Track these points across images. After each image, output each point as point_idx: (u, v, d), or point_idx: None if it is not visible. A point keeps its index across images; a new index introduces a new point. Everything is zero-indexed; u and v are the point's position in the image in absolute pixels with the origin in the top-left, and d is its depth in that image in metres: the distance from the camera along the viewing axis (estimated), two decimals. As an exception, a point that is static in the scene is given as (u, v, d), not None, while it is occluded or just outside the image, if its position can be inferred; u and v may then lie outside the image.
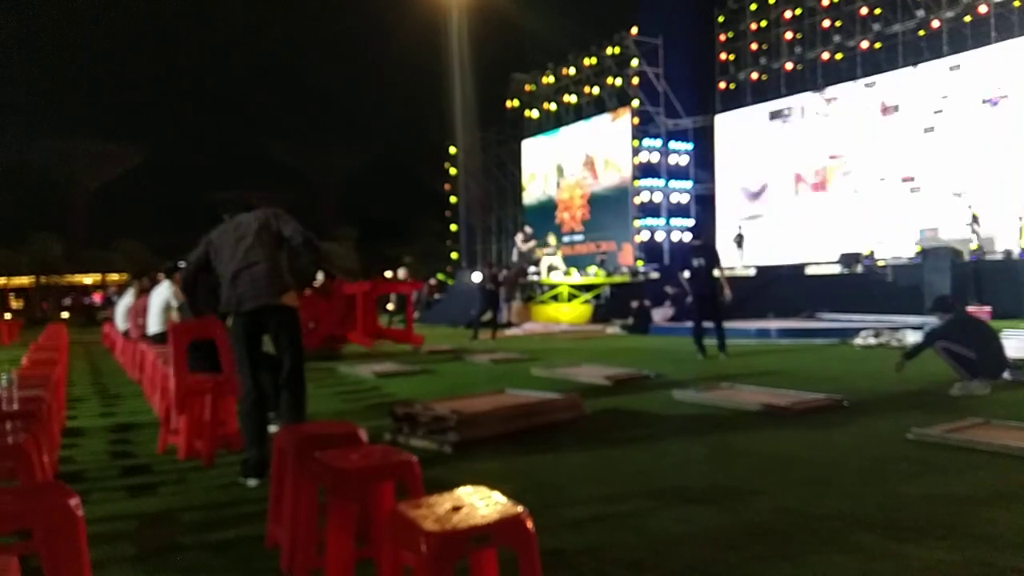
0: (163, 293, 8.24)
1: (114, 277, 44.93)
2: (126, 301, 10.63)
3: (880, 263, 17.63)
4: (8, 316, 32.34)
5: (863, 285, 16.66)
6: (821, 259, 19.93)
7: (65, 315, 39.25)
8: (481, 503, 1.99)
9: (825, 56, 22.70)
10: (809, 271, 19.48)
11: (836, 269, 18.79)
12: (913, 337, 9.86)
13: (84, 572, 2.14)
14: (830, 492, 3.59)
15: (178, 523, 3.44)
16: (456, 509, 1.94)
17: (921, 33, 20.80)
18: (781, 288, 18.18)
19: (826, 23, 22.58)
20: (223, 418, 4.95)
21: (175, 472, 4.37)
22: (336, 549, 2.39)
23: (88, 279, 49.57)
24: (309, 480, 2.66)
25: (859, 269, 17.91)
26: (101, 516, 3.47)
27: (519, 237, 23.43)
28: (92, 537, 2.27)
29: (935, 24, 20.23)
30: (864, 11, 21.58)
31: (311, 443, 2.80)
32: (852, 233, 20.33)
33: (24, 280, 49.15)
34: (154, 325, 8.23)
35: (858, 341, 11.04)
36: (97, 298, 37.86)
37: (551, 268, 22.31)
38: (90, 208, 51.60)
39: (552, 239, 23.72)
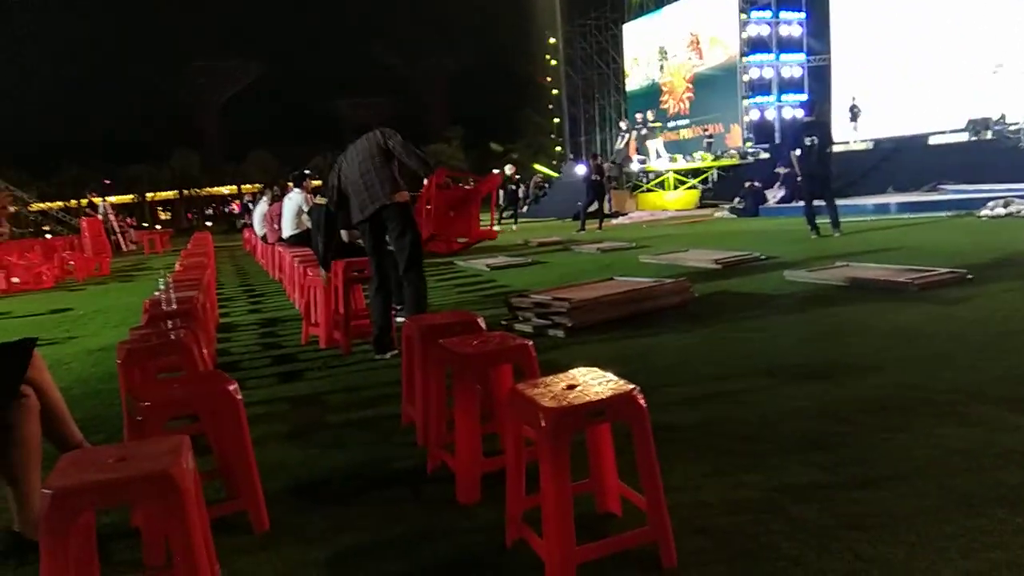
0: (294, 199, 8.74)
1: (248, 187, 47.54)
2: (261, 208, 11.34)
3: (1013, 127, 16.12)
4: (158, 227, 35.02)
5: (993, 152, 15.37)
6: (947, 127, 18.40)
7: (208, 224, 42.04)
8: (595, 382, 2.13)
9: None
10: (932, 141, 18.08)
11: (963, 137, 17.34)
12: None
13: (246, 448, 2.43)
14: (951, 367, 3.53)
15: (324, 404, 3.83)
16: (571, 387, 2.09)
17: None
18: (902, 160, 17.06)
19: None
20: (357, 312, 5.35)
21: (318, 360, 4.81)
22: (464, 426, 2.63)
23: (225, 190, 52.74)
24: (436, 365, 2.89)
25: (988, 135, 16.47)
26: (257, 400, 3.90)
27: (623, 125, 22.85)
28: (250, 418, 2.57)
29: None
30: None
31: (435, 331, 3.03)
32: (981, 96, 18.53)
33: (169, 194, 52.92)
34: (288, 229, 8.79)
35: (985, 212, 10.35)
36: (235, 206, 40.20)
37: (646, 152, 21.68)
38: (220, 123, 54.28)
39: (650, 115, 22.79)
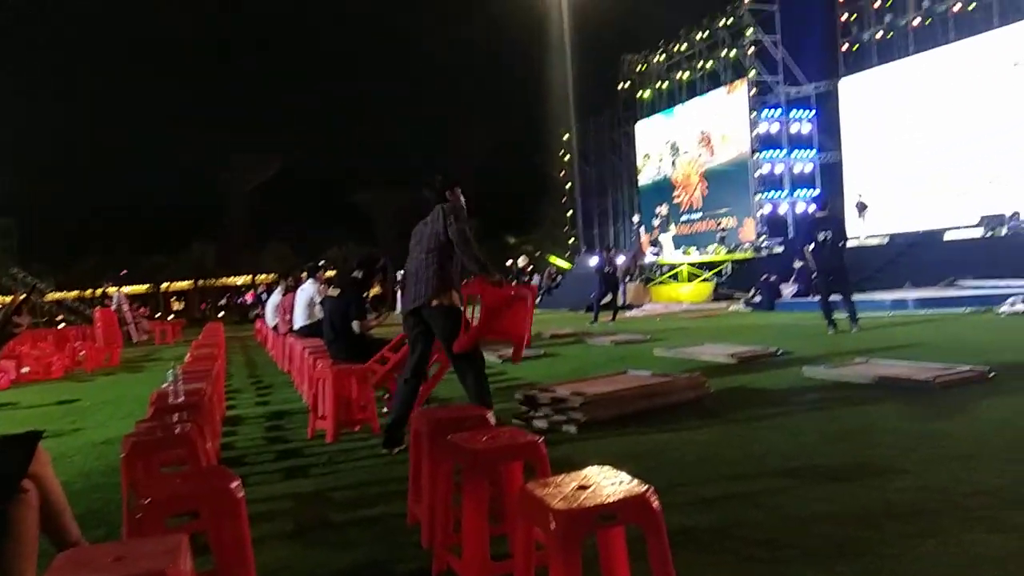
0: (307, 290, 8.82)
1: (263, 277, 48.30)
2: (275, 299, 11.44)
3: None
4: (171, 317, 35.39)
5: (1008, 248, 15.38)
6: (960, 223, 18.52)
7: (221, 314, 42.47)
8: (607, 482, 2.06)
9: (956, 7, 20.98)
10: (948, 236, 18.15)
11: (977, 233, 17.41)
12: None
13: (246, 548, 2.34)
14: (978, 469, 3.40)
15: (329, 502, 3.71)
16: (583, 488, 2.01)
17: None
18: (917, 256, 17.10)
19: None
20: (364, 403, 5.29)
21: (324, 455, 4.70)
22: (471, 526, 2.53)
23: (239, 280, 53.55)
24: (444, 461, 2.81)
25: (1003, 232, 16.54)
26: (260, 497, 3.80)
27: (636, 218, 23.21)
28: (253, 516, 2.49)
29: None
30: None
31: (444, 426, 2.96)
32: (993, 194, 18.75)
33: (183, 284, 53.80)
34: (300, 319, 8.83)
35: (1004, 308, 10.26)
36: (249, 297, 40.74)
37: (660, 245, 21.91)
38: (239, 215, 55.73)
39: (663, 210, 23.13)
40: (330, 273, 9.68)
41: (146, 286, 51.19)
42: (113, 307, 19.35)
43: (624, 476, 2.08)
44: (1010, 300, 10.39)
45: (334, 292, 6.27)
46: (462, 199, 4.78)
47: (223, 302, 50.44)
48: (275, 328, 11.20)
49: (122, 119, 57.65)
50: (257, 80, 67.61)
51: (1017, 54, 18.98)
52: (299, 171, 56.50)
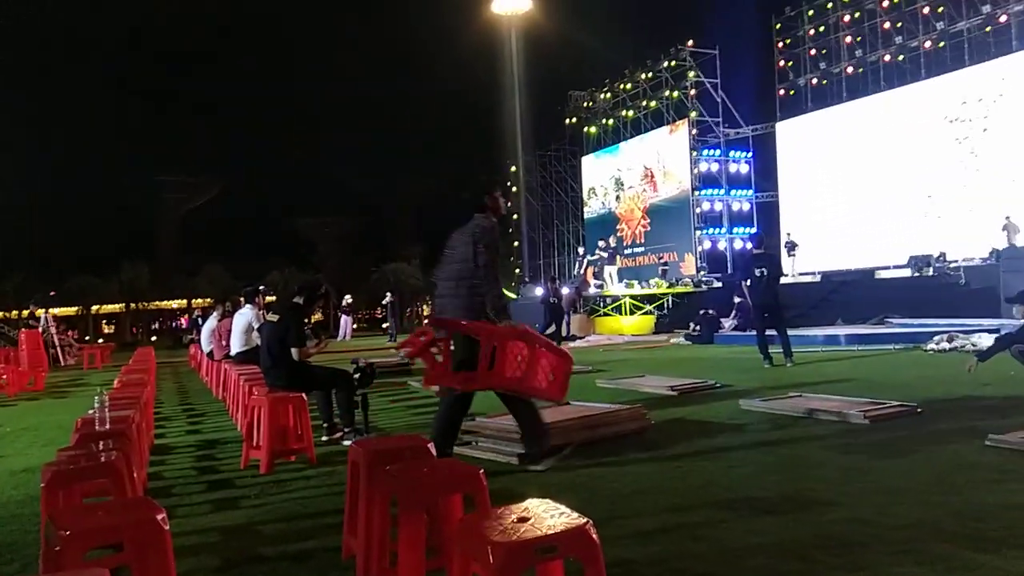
0: (245, 315, 8.61)
1: (198, 301, 46.95)
2: (210, 323, 11.10)
3: (952, 265, 16.97)
4: (100, 341, 34.04)
5: (935, 288, 16.08)
6: (890, 263, 19.32)
7: (153, 338, 41.04)
8: (547, 514, 2.04)
9: (887, 58, 22.13)
10: (878, 275, 18.88)
11: (906, 272, 18.17)
12: (988, 340, 9.48)
13: (170, 584, 2.25)
14: (905, 501, 3.50)
15: (259, 535, 3.59)
16: (522, 520, 2.00)
17: (988, 30, 20.09)
18: (849, 293, 17.71)
19: (887, 24, 22.03)
20: (300, 432, 5.16)
21: (257, 486, 4.55)
22: (408, 560, 2.47)
23: (174, 304, 51.95)
24: (381, 493, 2.75)
25: (930, 272, 17.29)
26: (187, 529, 3.65)
27: (581, 250, 23.53)
28: (178, 549, 2.41)
29: (1002, 19, 19.51)
30: (927, 10, 20.97)
31: (382, 457, 2.91)
32: (921, 235, 19.67)
33: (114, 307, 51.85)
34: (236, 345, 8.60)
35: (931, 346, 10.68)
36: (183, 321, 39.53)
37: (603, 277, 22.23)
38: (174, 237, 54.23)
39: (609, 242, 23.46)
40: (269, 299, 9.46)
41: (75, 308, 49.21)
42: (40, 329, 18.52)
43: (564, 508, 2.07)
44: (936, 338, 10.81)
45: (273, 317, 6.13)
46: (502, 202, 4.76)
47: (155, 326, 48.84)
48: (210, 354, 10.87)
49: (54, 131, 55.78)
50: (201, 100, 66.44)
51: (946, 107, 20.04)
52: (239, 194, 55.53)
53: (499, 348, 4.24)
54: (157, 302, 51.98)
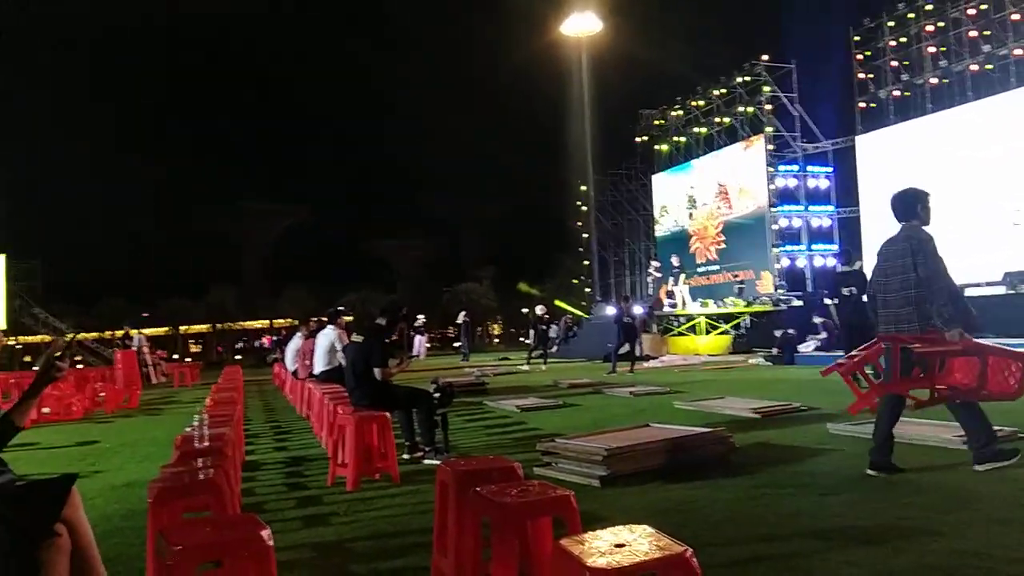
0: (328, 335, 8.84)
1: (280, 322, 48.60)
2: (295, 343, 11.46)
3: None
4: (188, 360, 35.55)
5: (1033, 305, 15.20)
6: (982, 279, 18.37)
7: (238, 357, 42.60)
8: (643, 540, 2.03)
9: (974, 67, 21.22)
10: (969, 292, 17.96)
11: (1000, 290, 17.24)
12: None
13: (274, 600, 2.32)
14: (1015, 532, 3.31)
15: (351, 552, 3.67)
16: (619, 546, 1.99)
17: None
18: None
19: (973, 33, 21.13)
20: (384, 451, 5.26)
21: (344, 503, 4.66)
22: (501, 581, 2.49)
23: (258, 324, 53.97)
24: (472, 514, 2.78)
25: (1026, 288, 16.37)
26: (281, 545, 3.73)
27: (652, 269, 23.27)
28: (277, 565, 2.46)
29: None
30: (1016, 17, 20.03)
31: (471, 478, 2.94)
32: (1015, 251, 18.63)
33: (201, 327, 54.22)
34: (320, 365, 8.84)
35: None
36: (266, 341, 40.89)
37: (676, 296, 21.88)
38: (260, 260, 56.49)
39: (678, 261, 23.07)
40: (348, 318, 9.71)
41: (165, 328, 51.61)
42: (133, 348, 19.49)
43: (658, 534, 2.05)
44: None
45: (357, 338, 6.28)
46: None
47: (240, 345, 50.71)
48: (294, 373, 11.21)
49: (148, 160, 59.00)
50: (283, 129, 69.27)
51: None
52: (320, 218, 57.41)
53: (947, 358, 4.50)
54: (242, 323, 54.07)
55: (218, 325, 52.88)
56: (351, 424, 5.18)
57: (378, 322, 6.21)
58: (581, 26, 27.71)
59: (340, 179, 65.27)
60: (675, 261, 22.70)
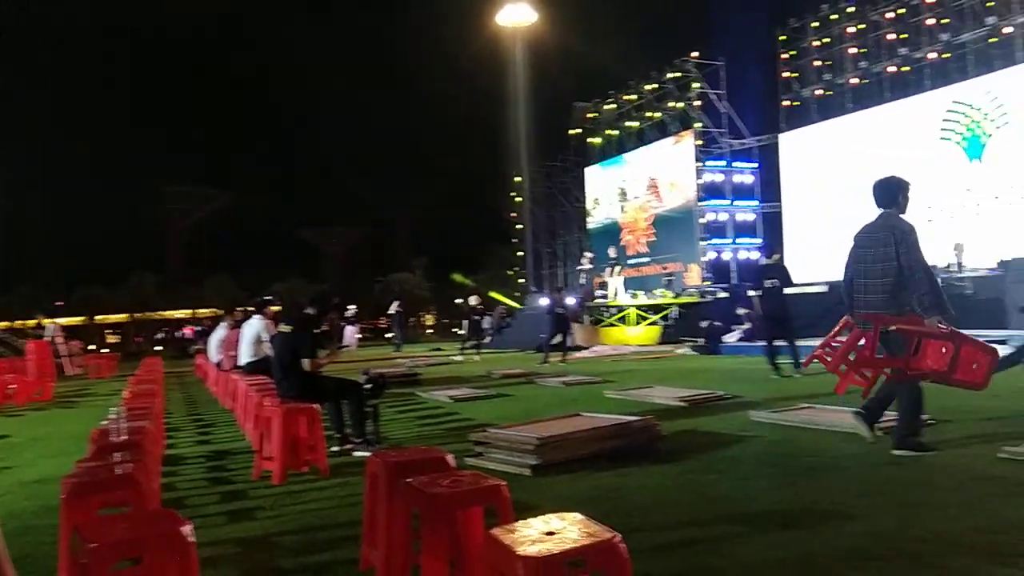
0: (255, 326, 8.60)
1: (204, 311, 47.03)
2: (219, 334, 11.09)
3: (957, 276, 16.93)
4: (105, 351, 34.08)
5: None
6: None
7: (158, 348, 41.06)
8: (573, 528, 2.05)
9: (892, 69, 22.19)
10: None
11: (913, 283, 18.11)
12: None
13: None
14: (924, 514, 3.49)
15: (277, 547, 3.59)
16: (549, 534, 2.00)
17: (992, 41, 20.11)
18: (856, 305, 17.64)
19: (891, 36, 22.08)
20: (313, 443, 5.16)
21: (271, 497, 4.56)
22: (432, 573, 2.48)
23: (180, 314, 52.09)
24: (402, 505, 2.75)
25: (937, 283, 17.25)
26: (204, 541, 3.63)
27: (585, 260, 23.54)
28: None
29: (1006, 31, 19.55)
30: (931, 21, 21.02)
31: (402, 469, 2.91)
32: (925, 246, 19.59)
33: (119, 316, 52.00)
34: (246, 356, 8.60)
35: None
36: (189, 331, 39.47)
37: (608, 287, 22.25)
38: (183, 247, 54.47)
39: (612, 252, 23.44)
40: (275, 308, 9.46)
41: (80, 318, 49.34)
42: (47, 339, 18.56)
43: (588, 521, 2.07)
44: (945, 349, 10.77)
45: (285, 328, 6.13)
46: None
47: (160, 336, 48.86)
48: (218, 364, 10.88)
49: (60, 141, 56.17)
50: (208, 112, 66.91)
51: (949, 118, 20.07)
52: (246, 205, 55.83)
53: (924, 341, 4.68)
54: (162, 312, 52.14)
55: (137, 314, 50.81)
56: (278, 416, 5.06)
57: (307, 312, 6.07)
58: (516, 16, 27.70)
59: (270, 164, 63.64)
60: (612, 252, 23.03)
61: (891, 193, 4.99)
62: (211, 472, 5.55)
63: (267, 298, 9.12)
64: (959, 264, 17.51)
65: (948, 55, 21.12)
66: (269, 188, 60.66)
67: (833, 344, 6.57)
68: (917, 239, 4.75)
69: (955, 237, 19.35)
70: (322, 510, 4.23)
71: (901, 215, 4.92)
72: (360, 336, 32.06)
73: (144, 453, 3.83)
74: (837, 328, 5.49)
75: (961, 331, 4.91)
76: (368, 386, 5.96)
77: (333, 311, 6.31)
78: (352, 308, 27.28)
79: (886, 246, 4.75)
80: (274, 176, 62.55)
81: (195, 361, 18.42)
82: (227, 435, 7.35)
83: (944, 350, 4.68)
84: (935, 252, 18.54)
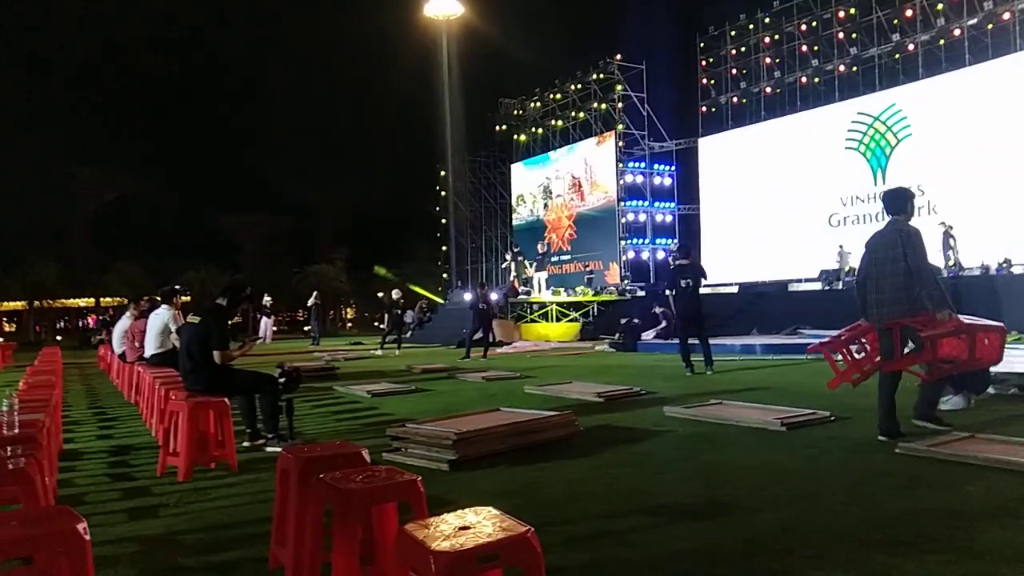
0: (162, 316, 8.26)
1: (109, 300, 44.78)
2: (123, 324, 10.58)
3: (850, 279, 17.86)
4: (0, 340, 32.01)
5: (844, 301, 16.81)
6: (802, 276, 20.17)
7: (58, 338, 38.84)
8: (488, 522, 2.04)
9: (803, 80, 23.15)
10: (791, 288, 19.68)
11: (817, 285, 19.01)
12: None
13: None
14: (822, 507, 3.66)
15: (180, 545, 3.46)
16: (463, 529, 1.99)
17: (897, 56, 21.27)
18: (764, 305, 18.37)
19: (804, 48, 23.04)
20: (222, 438, 5.00)
21: (176, 494, 4.39)
22: (343, 570, 2.43)
23: (83, 302, 49.38)
24: (314, 501, 2.69)
25: (839, 285, 18.15)
26: (101, 540, 3.47)
27: (508, 256, 23.62)
28: (94, 560, 2.27)
29: (910, 47, 20.72)
30: (841, 35, 22.06)
31: (315, 465, 2.85)
32: (831, 250, 20.61)
33: (16, 304, 48.88)
34: (152, 347, 8.25)
35: (839, 357, 11.15)
36: (91, 321, 37.48)
37: (526, 280, 22.44)
38: (87, 232, 51.59)
39: (538, 248, 23.66)
40: (185, 299, 9.10)
41: (-27, 306, 46.24)
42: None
43: (503, 515, 2.07)
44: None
45: (194, 319, 5.90)
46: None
47: (61, 325, 46.29)
48: (122, 356, 10.39)
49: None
50: (120, 88, 63.62)
51: (855, 128, 21.15)
52: (156, 190, 53.47)
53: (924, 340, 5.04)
54: (64, 300, 49.35)
55: (36, 302, 47.91)
56: (184, 410, 4.87)
57: (218, 302, 5.86)
58: (443, 8, 27.50)
59: (182, 148, 60.92)
60: (539, 248, 23.19)
61: (901, 201, 5.34)
62: (112, 468, 5.30)
63: (175, 288, 8.76)
64: (840, 268, 18.62)
65: (856, 68, 22.20)
66: (184, 174, 58.17)
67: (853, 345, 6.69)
68: (922, 240, 5.14)
69: (857, 242, 20.39)
70: (230, 507, 4.10)
71: (909, 221, 5.29)
72: (276, 329, 31.26)
73: (39, 447, 3.62)
74: (848, 331, 5.84)
75: (967, 318, 5.40)
76: (282, 380, 5.81)
77: (245, 302, 6.09)
78: (268, 300, 26.55)
79: (895, 248, 5.11)
80: (190, 162, 60.02)
81: (98, 352, 17.56)
82: (131, 429, 7.04)
83: (960, 340, 5.19)
84: (832, 257, 19.63)
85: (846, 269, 18.54)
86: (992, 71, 18.51)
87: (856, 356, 6.03)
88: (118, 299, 41.75)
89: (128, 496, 4.45)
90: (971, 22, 19.40)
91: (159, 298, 8.82)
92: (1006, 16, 18.75)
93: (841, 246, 19.17)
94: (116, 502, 4.32)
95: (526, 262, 23.18)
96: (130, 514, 4.03)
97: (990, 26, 19.24)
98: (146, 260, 46.85)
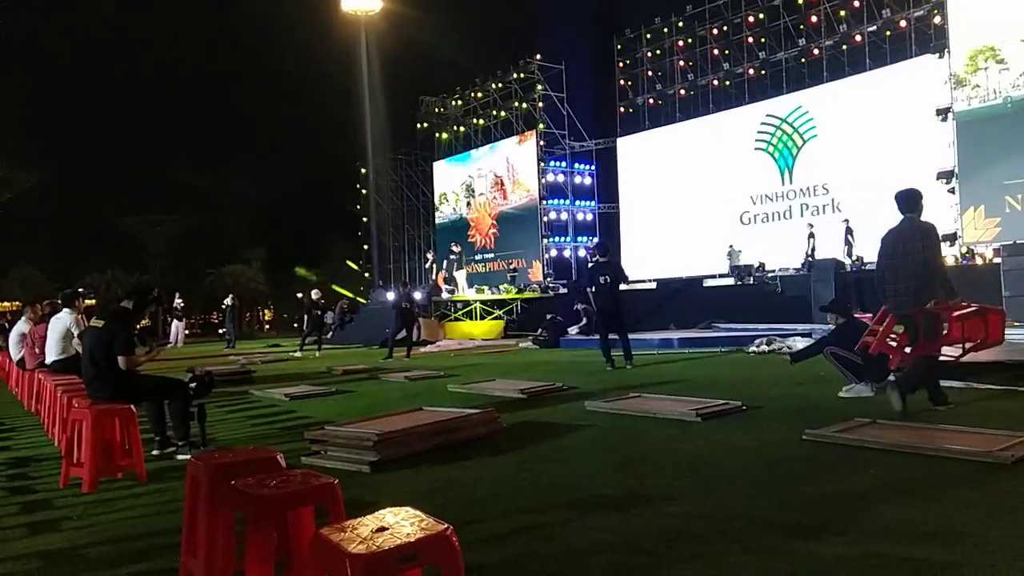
0: (63, 320, 7.82)
1: (6, 305, 42.13)
2: (20, 328, 9.97)
3: (770, 275, 18.60)
4: None
5: (755, 296, 17.51)
6: (716, 272, 20.87)
7: (-51, 345, 36.28)
8: (406, 522, 2.02)
9: (715, 83, 23.93)
10: (706, 283, 20.33)
11: (730, 281, 19.70)
12: (801, 343, 10.46)
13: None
14: (736, 494, 3.77)
15: (85, 559, 3.28)
16: (380, 530, 1.96)
17: (803, 61, 22.24)
18: (681, 300, 18.90)
19: (716, 51, 23.81)
20: (128, 447, 4.78)
21: (80, 506, 4.17)
22: (257, 577, 2.36)
23: (-25, 307, 46.29)
24: (226, 509, 2.60)
25: (751, 281, 18.86)
26: (2, 556, 3.29)
27: (431, 255, 23.50)
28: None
29: (815, 52, 21.69)
30: (751, 40, 22.90)
31: (227, 471, 2.75)
32: (743, 247, 21.40)
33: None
34: (53, 353, 7.81)
35: (752, 349, 11.59)
36: (-15, 326, 35.21)
37: (454, 282, 22.39)
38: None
39: (458, 248, 23.57)
40: (89, 302, 8.66)
41: None
42: None
43: (422, 515, 2.05)
44: (756, 341, 11.77)
45: (97, 323, 5.61)
46: None
47: (-49, 332, 43.38)
48: (20, 363, 9.81)
49: None
50: (13, 83, 59.85)
51: (764, 129, 22.01)
52: (56, 188, 50.56)
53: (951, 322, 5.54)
54: (-45, 305, 46.21)
55: (-76, 308, 44.75)
56: (88, 418, 4.63)
57: (123, 305, 5.60)
58: (360, 3, 27.07)
59: (90, 145, 57.86)
60: (456, 248, 23.12)
61: (913, 201, 5.76)
62: (11, 481, 4.99)
63: (78, 290, 8.34)
64: (732, 266, 19.62)
65: (764, 72, 23.08)
66: (88, 171, 55.25)
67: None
68: (938, 235, 5.67)
69: (767, 240, 21.26)
70: (138, 518, 3.92)
71: (919, 218, 5.71)
72: (188, 332, 30.15)
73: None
74: (875, 323, 6.18)
75: (973, 303, 5.82)
76: (193, 384, 5.59)
77: (153, 304, 5.84)
78: (180, 302, 25.59)
79: (913, 242, 5.56)
80: (94, 158, 57.03)
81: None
82: (31, 440, 6.66)
83: (977, 321, 5.65)
84: (752, 253, 20.40)
85: (733, 266, 19.61)
86: (890, 75, 19.58)
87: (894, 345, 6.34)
88: (16, 303, 39.39)
89: (28, 510, 4.20)
90: (871, 29, 20.47)
91: (60, 301, 8.37)
92: (903, 24, 19.86)
93: (731, 245, 20.28)
94: (15, 516, 4.07)
95: (456, 261, 23.08)
96: (31, 528, 3.81)
97: (888, 33, 20.34)
98: (46, 263, 44.37)
